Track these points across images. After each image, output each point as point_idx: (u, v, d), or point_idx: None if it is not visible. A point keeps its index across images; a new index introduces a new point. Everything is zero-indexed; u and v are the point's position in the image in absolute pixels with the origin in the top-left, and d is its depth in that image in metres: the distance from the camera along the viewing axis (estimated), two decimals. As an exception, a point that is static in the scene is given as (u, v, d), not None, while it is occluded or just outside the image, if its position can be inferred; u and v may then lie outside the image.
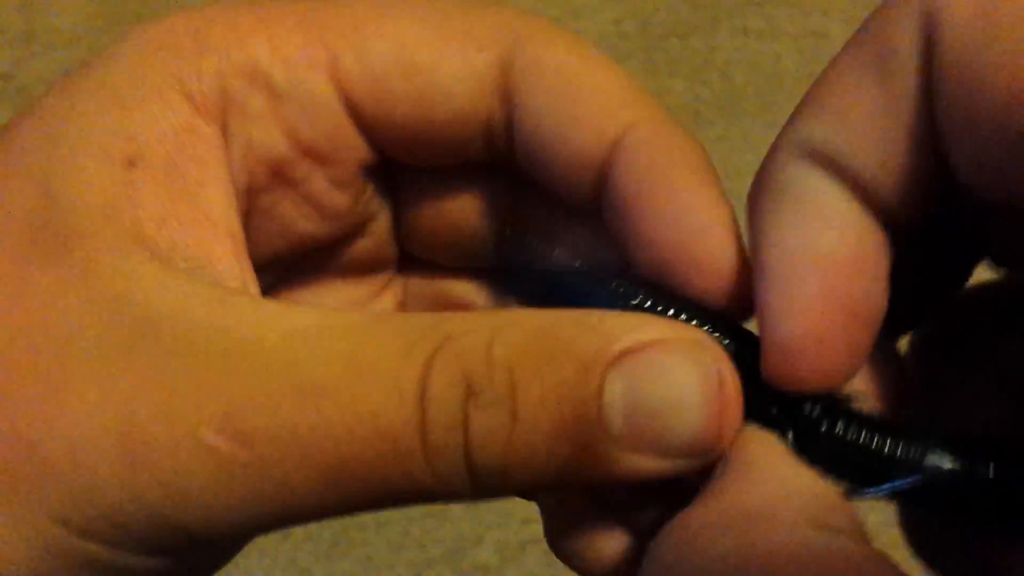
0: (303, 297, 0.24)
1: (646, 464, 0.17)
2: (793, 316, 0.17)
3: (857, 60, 0.17)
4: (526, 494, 0.20)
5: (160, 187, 0.18)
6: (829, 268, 0.17)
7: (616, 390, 0.16)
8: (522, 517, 0.64)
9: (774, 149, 0.18)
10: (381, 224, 0.23)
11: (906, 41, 0.16)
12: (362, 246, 0.23)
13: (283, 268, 0.22)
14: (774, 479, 0.16)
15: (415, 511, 0.63)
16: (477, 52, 0.20)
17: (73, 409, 0.16)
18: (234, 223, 0.19)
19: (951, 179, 0.17)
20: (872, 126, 0.17)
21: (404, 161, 0.21)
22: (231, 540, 0.18)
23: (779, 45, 0.87)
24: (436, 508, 0.63)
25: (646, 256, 0.19)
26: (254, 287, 0.19)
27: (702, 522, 0.15)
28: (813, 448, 0.17)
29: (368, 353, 0.16)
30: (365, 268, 0.24)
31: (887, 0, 0.17)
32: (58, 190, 0.17)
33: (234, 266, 0.18)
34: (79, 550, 0.16)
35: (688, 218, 0.19)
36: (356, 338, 0.17)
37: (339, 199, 0.21)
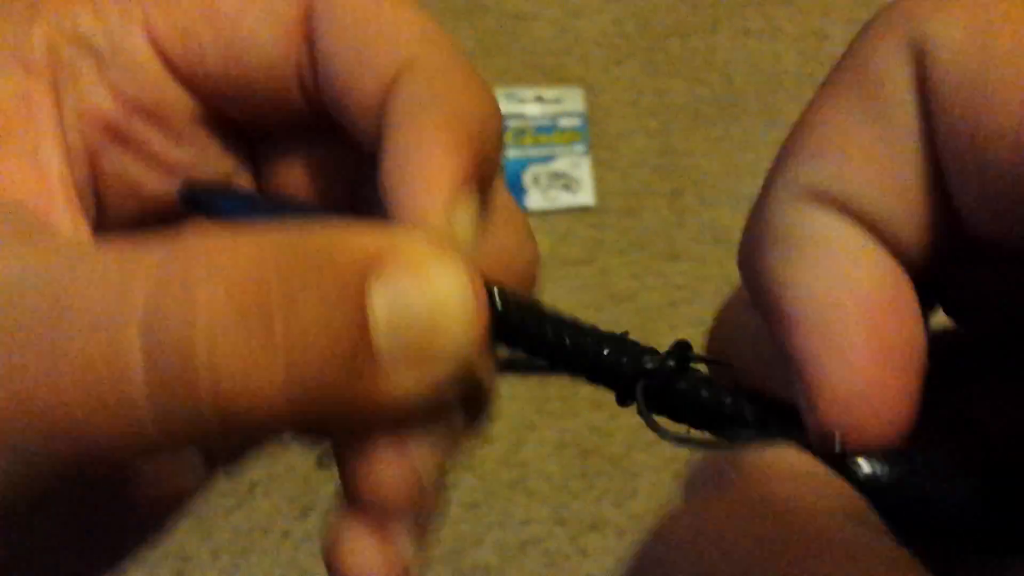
0: None
1: (411, 382, 0.16)
2: (847, 365, 0.16)
3: (847, 96, 0.16)
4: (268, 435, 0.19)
5: None
6: (871, 310, 0.16)
7: (379, 305, 0.16)
8: (522, 517, 0.64)
9: (769, 196, 0.17)
10: (242, 182, 0.23)
11: (896, 73, 0.16)
12: None
13: (148, 231, 0.22)
14: (800, 470, 0.16)
15: (415, 511, 0.63)
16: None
17: None
18: (66, 174, 0.20)
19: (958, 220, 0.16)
20: (877, 165, 0.16)
21: (232, 115, 0.22)
22: None
23: (779, 45, 0.87)
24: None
25: (381, 195, 0.18)
26: (84, 231, 0.20)
27: (727, 512, 0.14)
28: (663, 400, 0.18)
29: (75, 284, 0.15)
30: None
31: (868, 30, 0.16)
32: None
33: (63, 210, 0.19)
34: None
35: (405, 165, 0.18)
36: (67, 271, 0.15)
37: (181, 155, 0.22)
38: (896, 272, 0.16)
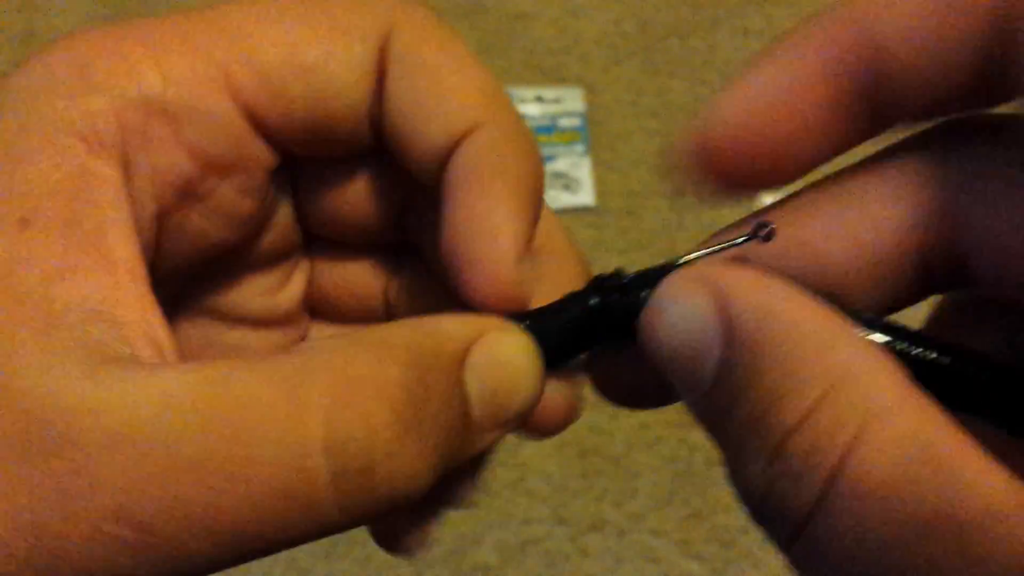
0: (216, 297, 0.24)
1: (497, 435, 0.20)
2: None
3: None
4: None
5: (56, 241, 0.17)
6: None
7: (473, 383, 0.19)
8: (522, 517, 0.64)
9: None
10: (283, 215, 0.24)
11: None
12: (268, 239, 0.24)
13: (195, 272, 0.23)
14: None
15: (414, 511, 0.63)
16: (360, 44, 0.21)
17: None
18: (137, 264, 0.19)
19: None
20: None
21: (304, 156, 0.22)
22: None
23: (779, 45, 0.87)
24: (436, 508, 0.64)
25: (442, 247, 0.21)
26: (157, 323, 0.19)
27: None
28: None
29: (248, 415, 0.16)
30: (272, 258, 0.25)
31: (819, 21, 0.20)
32: None
33: (135, 309, 0.18)
34: None
35: (480, 223, 0.21)
36: (230, 400, 0.16)
37: (247, 204, 0.22)
38: None
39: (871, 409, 0.16)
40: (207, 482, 0.16)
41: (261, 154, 0.21)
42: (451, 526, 0.63)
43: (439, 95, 0.21)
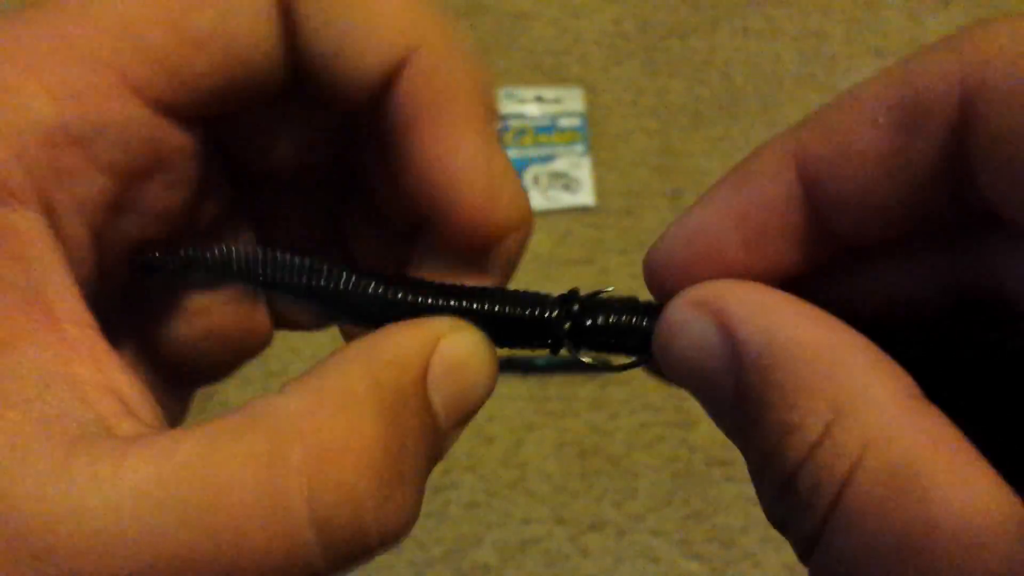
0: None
1: (459, 433, 0.20)
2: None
3: (882, 100, 0.18)
4: None
5: None
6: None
7: (439, 398, 0.20)
8: (522, 517, 0.64)
9: (762, 145, 0.20)
10: (214, 182, 0.23)
11: (942, 103, 0.18)
12: (207, 212, 0.23)
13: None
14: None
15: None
16: None
17: None
18: (82, 314, 0.18)
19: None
20: (876, 162, 0.18)
21: (220, 117, 0.21)
22: None
23: (779, 45, 0.87)
24: (436, 508, 0.64)
25: (410, 186, 0.20)
26: (115, 372, 0.18)
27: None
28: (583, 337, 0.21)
29: (230, 502, 0.16)
30: (215, 228, 0.24)
31: (924, 57, 0.19)
32: None
33: (90, 364, 0.17)
34: None
35: (451, 157, 0.20)
36: (209, 491, 0.16)
37: (178, 196, 0.21)
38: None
39: (868, 438, 0.16)
40: (203, 572, 0.16)
41: (181, 143, 0.20)
42: (451, 526, 0.63)
43: (363, 22, 0.19)
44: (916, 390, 0.17)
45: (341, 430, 0.17)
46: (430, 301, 0.21)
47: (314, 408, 0.17)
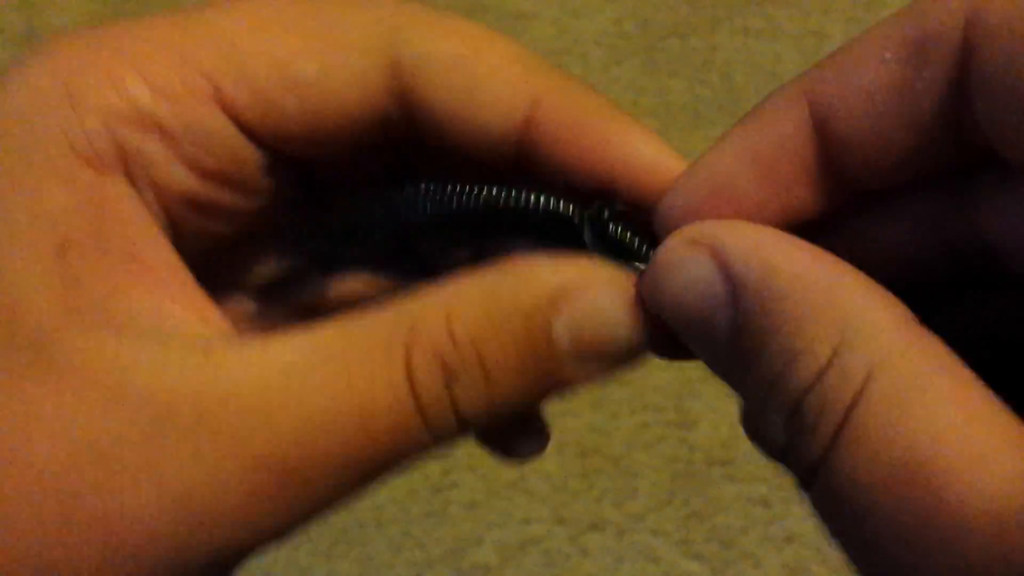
0: (240, 273, 0.25)
1: (595, 371, 0.21)
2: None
3: (890, 40, 0.19)
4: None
5: (96, 263, 0.18)
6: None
7: (561, 332, 0.20)
8: (522, 517, 0.64)
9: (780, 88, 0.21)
10: (288, 191, 0.24)
11: (947, 37, 0.18)
12: (283, 214, 0.24)
13: (214, 265, 0.23)
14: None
15: (415, 511, 0.63)
16: (361, 57, 0.20)
17: (133, 506, 0.17)
18: (177, 266, 0.20)
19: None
20: (884, 100, 0.19)
21: (305, 159, 0.22)
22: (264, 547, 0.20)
23: (779, 45, 0.87)
24: (436, 508, 0.64)
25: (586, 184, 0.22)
26: (215, 318, 0.20)
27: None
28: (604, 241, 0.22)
29: (353, 371, 0.19)
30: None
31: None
32: (7, 295, 0.17)
33: (190, 309, 0.19)
34: None
35: (620, 145, 0.21)
36: (336, 360, 0.19)
37: (253, 204, 0.22)
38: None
39: (875, 361, 0.16)
40: (331, 431, 0.18)
41: (259, 160, 0.21)
42: (451, 526, 0.63)
43: (481, 88, 0.21)
44: (915, 318, 0.17)
45: (456, 326, 0.19)
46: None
47: (435, 307, 0.19)
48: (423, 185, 0.22)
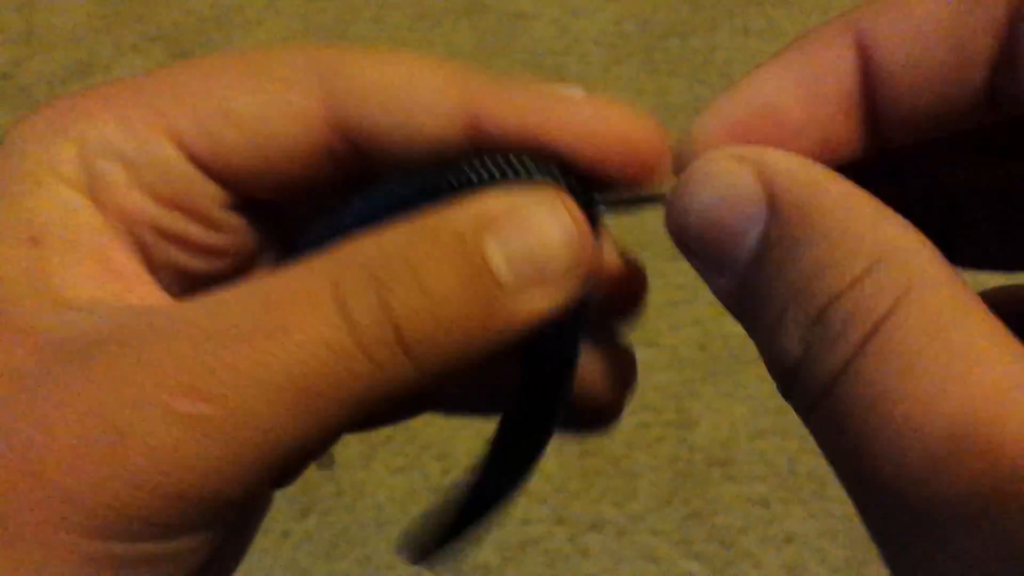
0: None
1: (540, 299, 0.20)
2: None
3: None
4: (463, 377, 0.23)
5: (64, 255, 0.20)
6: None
7: (494, 248, 0.19)
8: (522, 517, 0.64)
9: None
10: (273, 250, 0.26)
11: (841, 58, 0.20)
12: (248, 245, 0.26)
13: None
14: None
15: (415, 511, 0.63)
16: (295, 89, 0.22)
17: (56, 426, 0.18)
18: (139, 268, 0.22)
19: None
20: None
21: (260, 196, 0.24)
22: (229, 504, 0.19)
23: (779, 45, 0.87)
24: (436, 508, 0.64)
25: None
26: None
27: None
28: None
29: (284, 296, 0.19)
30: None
31: (820, 31, 0.21)
32: None
33: (149, 299, 0.21)
34: (101, 552, 0.18)
35: (555, 109, 0.22)
36: (267, 292, 0.19)
37: (218, 239, 0.24)
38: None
39: (914, 280, 0.16)
40: (264, 350, 0.18)
41: (210, 191, 0.23)
42: (451, 526, 0.64)
43: (411, 101, 0.22)
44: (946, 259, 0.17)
45: (369, 251, 0.19)
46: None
47: (365, 241, 0.20)
48: (382, 182, 0.23)
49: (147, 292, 0.21)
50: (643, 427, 0.67)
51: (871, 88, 0.20)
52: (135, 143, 0.22)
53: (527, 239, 0.20)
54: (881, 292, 0.16)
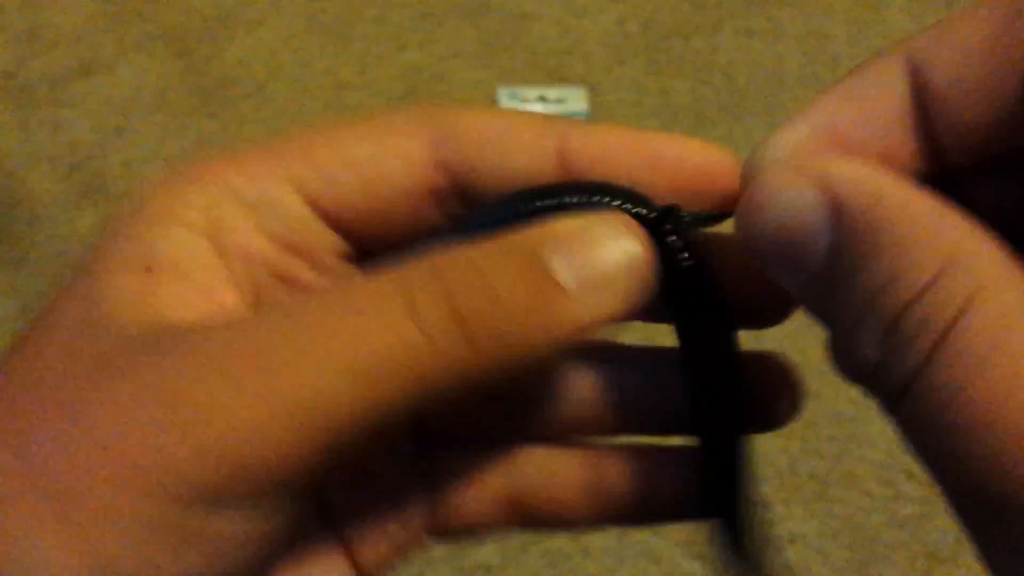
0: None
1: (598, 307, 0.21)
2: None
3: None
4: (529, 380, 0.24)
5: (172, 284, 0.22)
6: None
7: (559, 260, 0.21)
8: (523, 517, 0.64)
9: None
10: None
11: (898, 80, 0.21)
12: None
13: None
14: None
15: None
16: (407, 139, 0.24)
17: (125, 400, 0.19)
18: (243, 303, 0.23)
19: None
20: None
21: (369, 239, 0.25)
22: (288, 484, 0.20)
23: (782, 46, 0.87)
24: (437, 508, 0.64)
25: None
26: None
27: None
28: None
29: (356, 293, 0.20)
30: None
31: (875, 57, 0.22)
32: (97, 294, 0.22)
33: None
34: (161, 520, 0.19)
35: (650, 147, 0.23)
36: (340, 291, 0.21)
37: (324, 283, 0.25)
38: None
39: (980, 283, 0.17)
40: (326, 330, 0.19)
41: (328, 238, 0.25)
42: (452, 526, 0.64)
43: (512, 142, 0.24)
44: (1012, 257, 0.18)
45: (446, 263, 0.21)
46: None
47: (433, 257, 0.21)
48: (468, 212, 0.25)
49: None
50: (644, 427, 0.67)
51: (924, 106, 0.21)
52: (258, 189, 0.24)
53: (589, 255, 0.21)
54: (949, 299, 0.17)
